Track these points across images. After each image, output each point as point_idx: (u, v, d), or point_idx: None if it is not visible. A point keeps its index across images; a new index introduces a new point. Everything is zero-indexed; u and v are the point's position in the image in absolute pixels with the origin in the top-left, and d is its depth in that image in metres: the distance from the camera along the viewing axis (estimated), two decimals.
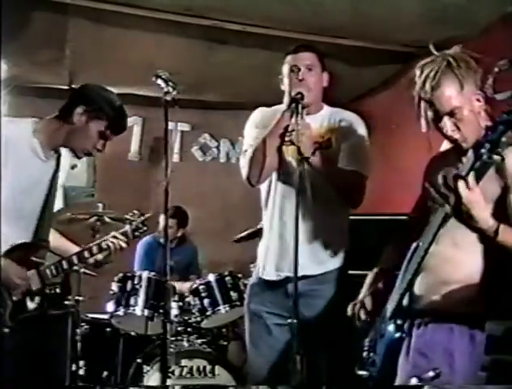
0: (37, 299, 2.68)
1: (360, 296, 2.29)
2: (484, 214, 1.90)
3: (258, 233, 4.56)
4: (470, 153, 1.85)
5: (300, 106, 2.56)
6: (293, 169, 2.56)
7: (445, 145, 2.21)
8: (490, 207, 1.96)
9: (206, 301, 4.03)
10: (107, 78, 5.13)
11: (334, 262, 2.78)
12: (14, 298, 2.62)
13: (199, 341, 4.09)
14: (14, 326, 2.60)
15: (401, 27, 4.03)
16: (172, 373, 3.70)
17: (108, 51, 4.62)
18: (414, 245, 2.07)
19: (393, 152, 4.77)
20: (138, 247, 5.05)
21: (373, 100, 5.34)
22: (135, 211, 3.01)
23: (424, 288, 2.07)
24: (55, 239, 2.92)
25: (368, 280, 2.32)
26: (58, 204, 2.88)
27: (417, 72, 2.08)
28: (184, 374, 3.80)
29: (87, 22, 4.17)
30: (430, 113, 2.06)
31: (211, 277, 4.15)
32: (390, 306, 2.10)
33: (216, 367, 3.85)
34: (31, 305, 2.66)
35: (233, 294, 4.04)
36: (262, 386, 2.78)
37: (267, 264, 2.81)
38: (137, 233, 2.97)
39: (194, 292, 4.10)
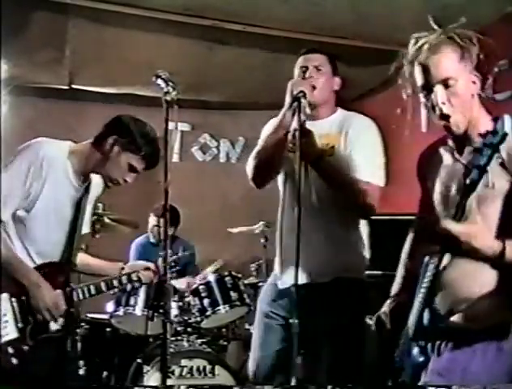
0: (61, 321, 2.62)
1: (384, 308, 2.16)
2: (487, 241, 1.76)
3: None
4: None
5: (302, 105, 2.50)
6: (296, 174, 2.45)
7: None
8: (499, 204, 1.82)
9: (206, 301, 4.02)
10: (107, 78, 5.16)
11: (347, 272, 2.70)
12: (39, 317, 2.57)
13: (199, 341, 4.08)
14: (33, 344, 2.54)
15: (401, 27, 4.03)
16: (172, 373, 3.70)
17: (108, 51, 4.62)
18: (426, 259, 1.92)
19: (393, 152, 4.76)
20: (132, 248, 5.06)
21: (373, 100, 5.34)
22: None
23: (445, 304, 1.92)
24: (87, 258, 2.93)
25: (393, 291, 2.18)
26: (86, 228, 2.87)
27: (412, 41, 1.93)
28: (184, 374, 3.79)
29: (87, 22, 4.18)
30: (421, 80, 1.88)
31: (211, 277, 4.14)
32: (412, 325, 1.96)
33: (216, 367, 3.83)
34: (54, 326, 2.61)
35: (233, 294, 4.03)
36: (263, 386, 2.77)
37: (284, 272, 2.74)
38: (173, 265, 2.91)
39: (194, 292, 4.10)
